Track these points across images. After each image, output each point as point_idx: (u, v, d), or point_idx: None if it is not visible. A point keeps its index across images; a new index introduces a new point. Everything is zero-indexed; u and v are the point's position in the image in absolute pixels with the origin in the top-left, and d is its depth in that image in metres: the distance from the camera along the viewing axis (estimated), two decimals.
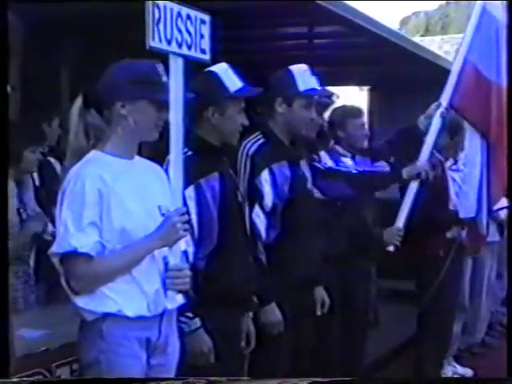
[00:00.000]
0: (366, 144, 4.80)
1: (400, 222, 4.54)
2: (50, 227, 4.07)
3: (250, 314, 3.48)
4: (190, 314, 3.04)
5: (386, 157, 4.77)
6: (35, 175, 4.45)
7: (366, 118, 4.95)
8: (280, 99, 3.78)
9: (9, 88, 4.29)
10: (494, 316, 6.99)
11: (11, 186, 4.05)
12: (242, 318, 3.42)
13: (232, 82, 3.28)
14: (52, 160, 4.77)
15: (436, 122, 4.63)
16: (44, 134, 4.58)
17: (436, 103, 4.66)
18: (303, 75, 3.79)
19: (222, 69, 3.27)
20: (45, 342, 3.19)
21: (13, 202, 4.04)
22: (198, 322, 3.09)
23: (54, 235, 4.01)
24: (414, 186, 4.52)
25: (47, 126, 4.77)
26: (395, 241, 4.50)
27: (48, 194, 4.48)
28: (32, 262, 4.12)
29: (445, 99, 4.65)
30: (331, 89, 4.69)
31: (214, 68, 3.25)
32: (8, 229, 1.78)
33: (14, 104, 4.47)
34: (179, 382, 2.78)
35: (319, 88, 3.83)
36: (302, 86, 3.77)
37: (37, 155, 4.22)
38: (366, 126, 5.10)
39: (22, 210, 4.13)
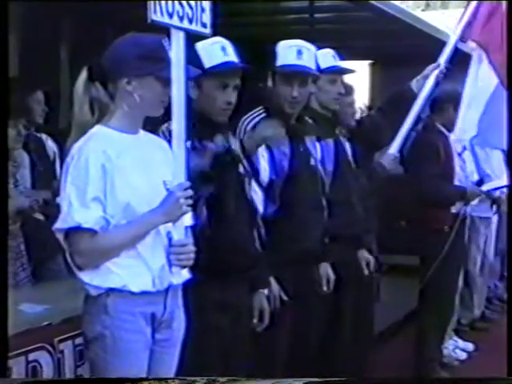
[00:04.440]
0: (353, 122, 4.71)
1: (394, 149, 4.60)
2: (40, 205, 4.05)
3: (265, 291, 3.48)
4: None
5: (378, 124, 4.70)
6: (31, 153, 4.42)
7: (355, 96, 4.84)
8: (268, 73, 3.77)
9: None
10: (493, 291, 7.03)
11: None
12: (254, 294, 3.42)
13: (210, 57, 3.19)
14: (43, 136, 4.75)
15: (429, 84, 4.61)
16: (26, 110, 4.47)
17: (434, 64, 4.64)
18: (286, 50, 3.76)
19: (206, 43, 3.16)
20: (47, 317, 3.20)
21: None
22: None
23: (44, 213, 4.05)
24: (410, 117, 4.54)
25: (34, 102, 4.64)
26: (392, 165, 4.56)
27: (42, 171, 4.47)
28: (20, 239, 4.10)
29: (442, 60, 4.64)
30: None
31: (199, 42, 3.15)
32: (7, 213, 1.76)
33: None
34: (179, 381, 2.78)
35: (298, 64, 3.74)
36: (280, 61, 3.75)
37: (18, 130, 4.13)
38: (356, 105, 5.04)
39: (12, 187, 4.09)
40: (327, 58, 4.20)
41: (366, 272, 4.37)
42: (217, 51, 3.20)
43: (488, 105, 4.76)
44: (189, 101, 2.70)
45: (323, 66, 4.12)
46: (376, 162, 4.67)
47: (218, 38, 3.22)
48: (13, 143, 4.11)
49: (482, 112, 4.79)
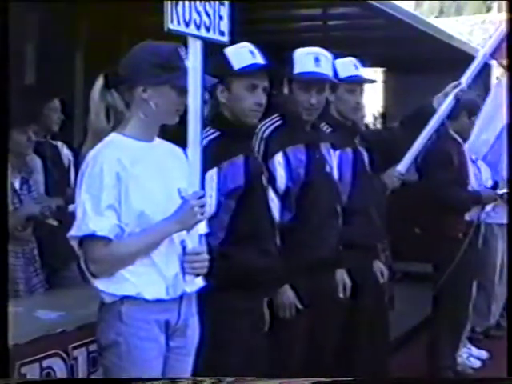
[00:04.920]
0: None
1: (402, 166, 4.55)
2: (53, 211, 4.07)
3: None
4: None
5: (397, 138, 4.72)
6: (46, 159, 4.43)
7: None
8: (285, 80, 3.79)
9: None
10: None
11: None
12: (260, 300, 3.42)
13: (238, 59, 3.24)
14: (59, 144, 4.77)
15: (448, 102, 4.61)
16: (36, 116, 4.48)
17: (455, 82, 4.64)
18: (303, 57, 3.77)
19: (235, 47, 3.22)
20: (61, 324, 3.18)
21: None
22: None
23: (58, 219, 4.06)
24: (422, 136, 4.53)
25: (51, 110, 4.65)
26: (394, 183, 4.53)
27: (57, 179, 4.49)
28: (33, 245, 4.12)
29: (464, 79, 4.63)
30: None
31: (228, 47, 3.20)
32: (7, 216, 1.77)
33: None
34: (187, 381, 2.78)
35: (316, 71, 3.74)
36: (297, 69, 3.76)
37: (28, 136, 4.11)
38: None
39: (25, 192, 4.11)
40: (348, 66, 4.20)
41: (381, 281, 4.37)
42: (245, 54, 3.26)
43: (503, 130, 4.78)
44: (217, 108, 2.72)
45: (343, 74, 4.13)
46: (381, 177, 4.64)
47: (246, 43, 3.29)
48: (23, 149, 4.13)
49: (497, 136, 4.81)
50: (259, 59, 3.29)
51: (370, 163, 4.41)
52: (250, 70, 3.25)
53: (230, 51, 3.23)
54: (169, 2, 2.47)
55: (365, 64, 4.45)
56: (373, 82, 4.47)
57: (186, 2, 2.53)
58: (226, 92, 3.26)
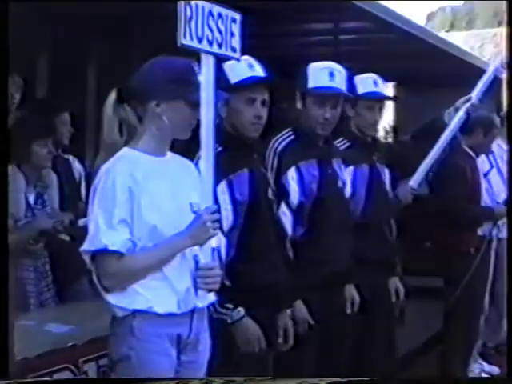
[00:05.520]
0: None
1: (414, 181, 4.55)
2: (65, 225, 4.08)
3: (288, 311, 3.46)
4: (229, 305, 3.03)
5: (409, 152, 4.72)
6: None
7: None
8: (298, 95, 3.80)
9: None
10: None
11: (20, 181, 4.05)
12: (279, 314, 3.40)
13: (236, 72, 3.21)
14: (70, 158, 4.78)
15: (459, 117, 4.60)
16: (53, 129, 4.51)
17: (466, 97, 4.63)
18: (317, 72, 3.77)
19: (231, 61, 3.12)
20: (72, 337, 3.19)
21: (20, 197, 4.04)
22: (241, 310, 3.09)
23: (70, 234, 4.07)
24: (435, 150, 4.52)
25: (61, 123, 4.66)
26: (408, 198, 4.52)
27: (68, 193, 4.50)
28: (45, 259, 4.12)
29: (475, 94, 4.63)
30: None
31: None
32: (7, 228, 1.77)
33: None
34: (199, 381, 2.77)
35: (330, 86, 3.75)
36: (312, 83, 3.76)
37: (48, 150, 4.16)
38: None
39: (39, 207, 4.13)
40: (367, 82, 4.22)
41: (394, 299, 4.36)
42: (243, 67, 3.23)
43: None
44: (218, 123, 2.72)
45: (362, 90, 4.16)
46: (395, 192, 4.64)
47: (245, 56, 3.20)
48: (43, 162, 4.15)
49: None
50: (258, 72, 3.26)
51: (390, 180, 4.41)
52: (247, 84, 3.22)
53: (227, 65, 3.18)
54: (182, 18, 2.48)
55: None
56: (391, 99, 4.46)
57: (199, 19, 2.55)
58: (224, 106, 3.21)
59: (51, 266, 4.13)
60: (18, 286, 3.89)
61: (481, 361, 5.90)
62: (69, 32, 5.14)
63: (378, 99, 4.26)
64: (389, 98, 4.44)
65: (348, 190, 4.06)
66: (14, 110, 4.38)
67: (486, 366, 5.89)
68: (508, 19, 4.53)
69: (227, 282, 2.89)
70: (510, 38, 4.49)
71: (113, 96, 2.70)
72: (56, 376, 3.07)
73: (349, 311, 3.93)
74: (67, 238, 4.17)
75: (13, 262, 3.74)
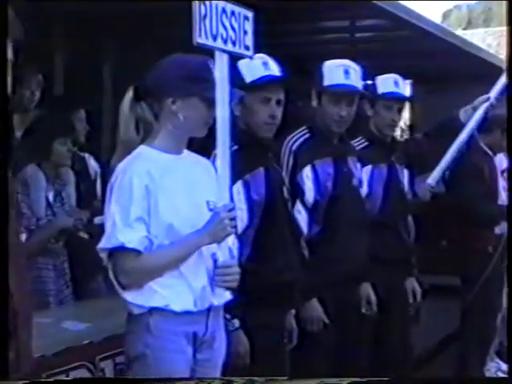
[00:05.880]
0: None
1: (432, 179, 4.54)
2: (84, 224, 4.10)
3: (292, 310, 3.46)
4: (227, 316, 3.01)
5: (423, 150, 4.69)
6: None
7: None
8: (313, 93, 3.79)
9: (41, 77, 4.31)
10: None
11: (41, 180, 4.08)
12: (286, 314, 3.41)
13: (250, 71, 3.20)
14: (86, 155, 4.80)
15: (477, 116, 4.58)
16: (73, 127, 4.55)
17: (485, 96, 4.61)
18: (333, 70, 3.77)
19: (247, 59, 3.10)
20: (88, 335, 3.19)
21: (40, 196, 4.06)
22: (236, 323, 3.08)
23: (89, 232, 4.10)
24: (453, 149, 4.50)
25: (77, 121, 4.69)
26: (427, 196, 4.52)
27: (84, 191, 4.52)
28: (64, 257, 4.14)
29: (494, 93, 4.60)
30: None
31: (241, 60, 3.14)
32: (8, 226, 1.79)
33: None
34: (219, 381, 2.77)
35: (346, 83, 3.75)
36: (327, 81, 3.76)
37: (68, 148, 4.19)
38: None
39: (58, 205, 4.15)
40: (388, 83, 4.23)
41: (411, 300, 4.35)
42: (258, 66, 3.22)
43: None
44: (233, 121, 2.71)
45: (381, 90, 4.18)
46: (412, 189, 4.64)
47: (260, 55, 3.22)
48: (63, 160, 4.18)
49: None
50: (273, 71, 3.24)
51: (409, 180, 4.42)
52: (262, 83, 3.21)
53: (242, 63, 3.16)
54: (197, 16, 2.48)
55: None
56: (410, 99, 4.45)
57: (213, 17, 2.55)
58: (239, 105, 3.20)
59: (69, 264, 4.15)
60: (38, 285, 3.92)
61: (498, 359, 5.87)
62: (84, 30, 5.15)
63: (396, 99, 4.26)
64: (408, 99, 4.42)
65: (365, 189, 4.06)
66: (34, 107, 4.41)
67: (502, 365, 5.86)
68: (508, 19, 4.50)
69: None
70: (511, 38, 4.46)
71: (130, 94, 2.71)
72: (72, 374, 3.08)
73: (364, 310, 3.92)
74: (85, 235, 4.18)
75: (32, 261, 3.80)
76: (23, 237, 3.81)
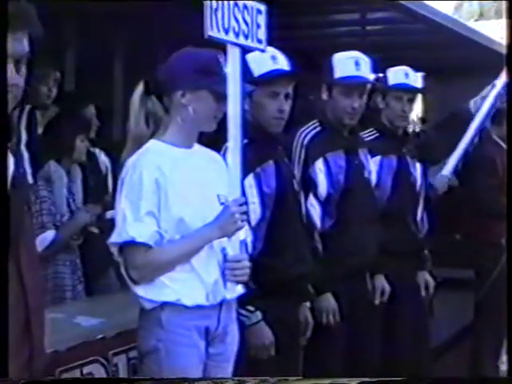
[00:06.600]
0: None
1: (447, 170, 4.55)
2: (96, 219, 4.11)
3: (308, 303, 3.46)
4: (251, 308, 3.02)
5: (434, 141, 4.69)
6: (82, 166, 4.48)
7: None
8: (324, 86, 3.77)
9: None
10: None
11: (62, 176, 4.09)
12: (300, 307, 3.40)
13: (259, 66, 3.18)
14: (96, 151, 4.81)
15: (487, 104, 4.56)
16: (90, 123, 4.57)
17: (491, 84, 4.59)
18: (343, 62, 3.76)
19: (256, 53, 3.06)
20: (101, 330, 3.19)
21: (62, 192, 4.08)
22: (259, 315, 3.08)
23: (100, 227, 4.11)
24: (466, 139, 4.48)
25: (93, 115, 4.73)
26: (444, 187, 4.56)
27: (93, 186, 4.53)
28: (77, 253, 4.16)
29: (500, 81, 4.58)
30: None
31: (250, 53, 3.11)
32: (8, 225, 1.79)
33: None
34: (232, 381, 2.77)
35: (357, 75, 3.74)
36: (338, 73, 3.75)
37: (85, 144, 4.23)
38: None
39: (71, 201, 4.16)
40: (398, 74, 4.24)
41: (423, 293, 4.34)
42: (266, 60, 3.19)
43: None
44: (244, 116, 2.70)
45: (392, 82, 4.19)
46: (428, 182, 4.62)
47: (269, 48, 3.15)
48: (81, 156, 4.23)
49: None
50: (282, 64, 3.22)
51: (422, 172, 4.40)
52: (270, 77, 3.18)
53: (250, 57, 3.12)
54: (208, 9, 2.47)
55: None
56: (420, 90, 4.43)
57: (225, 10, 2.54)
58: (248, 99, 3.17)
59: (81, 259, 4.17)
60: (56, 280, 3.95)
61: None
62: (95, 25, 5.15)
63: (406, 90, 4.25)
64: (417, 90, 4.40)
65: (373, 179, 4.06)
66: (51, 104, 4.44)
67: None
68: (508, 19, 4.48)
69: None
70: (511, 37, 4.44)
71: (140, 88, 2.71)
72: (86, 368, 3.09)
73: (377, 302, 3.92)
74: (96, 230, 4.19)
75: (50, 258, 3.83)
76: (51, 233, 3.87)
